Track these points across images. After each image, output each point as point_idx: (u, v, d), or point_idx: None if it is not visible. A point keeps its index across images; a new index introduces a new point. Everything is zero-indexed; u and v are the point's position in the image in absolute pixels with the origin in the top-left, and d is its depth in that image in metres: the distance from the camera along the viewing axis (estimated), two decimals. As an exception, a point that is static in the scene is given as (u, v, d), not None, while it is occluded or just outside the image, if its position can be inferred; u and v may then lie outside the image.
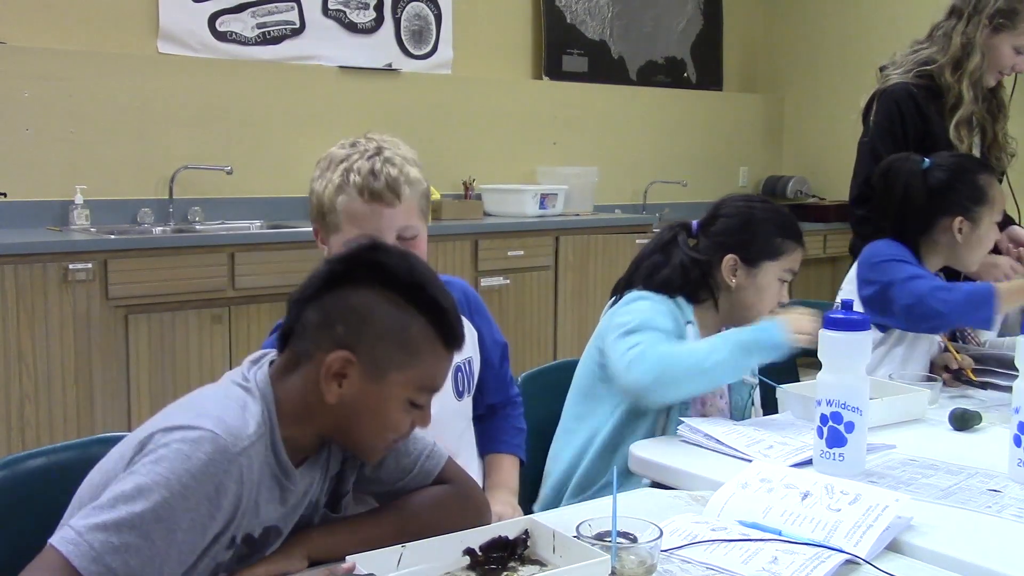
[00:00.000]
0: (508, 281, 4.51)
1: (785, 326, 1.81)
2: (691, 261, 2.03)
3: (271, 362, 1.30)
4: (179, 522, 1.11)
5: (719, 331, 2.00)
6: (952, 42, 2.64)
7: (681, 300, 2.02)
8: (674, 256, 2.05)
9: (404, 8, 4.88)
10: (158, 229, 4.05)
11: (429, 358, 1.25)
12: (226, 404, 1.21)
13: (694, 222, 2.13)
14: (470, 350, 1.75)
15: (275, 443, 1.23)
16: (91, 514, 1.10)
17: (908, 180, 2.25)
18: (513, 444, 1.83)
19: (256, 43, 4.45)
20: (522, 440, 1.86)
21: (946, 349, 2.30)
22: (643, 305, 1.97)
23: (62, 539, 1.08)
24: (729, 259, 2.02)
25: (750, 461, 1.64)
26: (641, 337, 1.88)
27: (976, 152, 2.69)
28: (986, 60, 2.64)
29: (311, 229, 1.70)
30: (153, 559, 1.09)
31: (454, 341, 1.28)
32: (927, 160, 2.28)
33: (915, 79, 2.66)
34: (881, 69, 2.82)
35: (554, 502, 1.98)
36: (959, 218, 2.23)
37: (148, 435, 1.17)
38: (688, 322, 1.99)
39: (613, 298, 2.08)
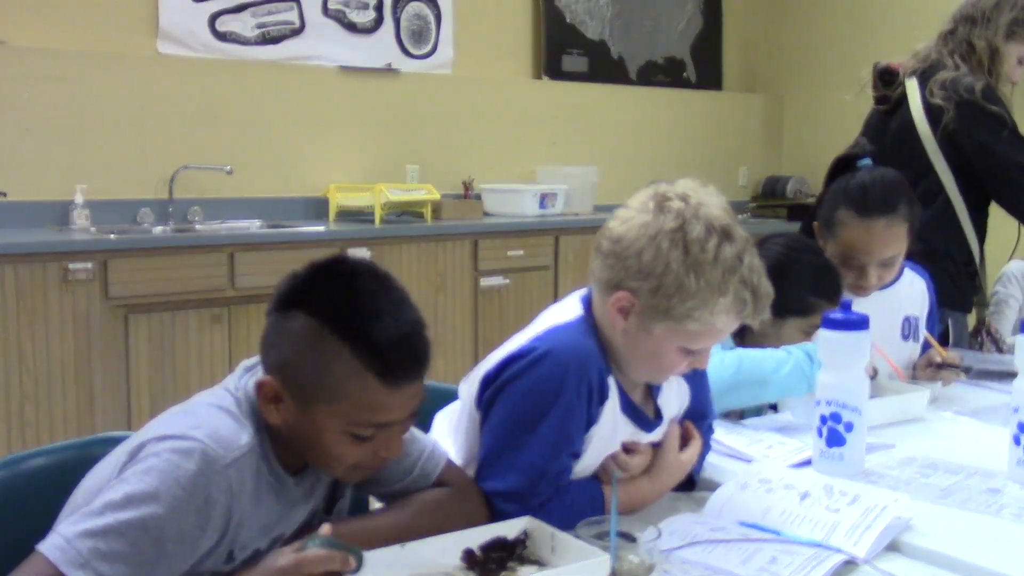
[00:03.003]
0: (508, 281, 4.51)
1: None
2: None
3: None
4: (168, 533, 1.10)
5: None
6: (976, 47, 2.64)
7: None
8: None
9: (404, 8, 4.88)
10: (158, 229, 4.05)
11: (360, 395, 1.17)
12: (219, 415, 1.21)
13: None
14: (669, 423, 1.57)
15: (267, 454, 1.23)
16: (80, 520, 1.09)
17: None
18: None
19: (256, 43, 4.45)
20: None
21: (929, 346, 2.29)
22: None
23: (50, 545, 1.08)
24: None
25: (750, 461, 1.64)
26: None
27: None
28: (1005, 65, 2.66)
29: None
30: (141, 567, 1.08)
31: (392, 377, 1.17)
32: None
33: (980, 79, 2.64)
34: (885, 72, 2.78)
35: None
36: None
37: (140, 443, 1.17)
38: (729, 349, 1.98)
39: None
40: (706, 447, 1.64)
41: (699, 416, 1.61)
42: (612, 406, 1.46)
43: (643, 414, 1.50)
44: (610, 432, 1.46)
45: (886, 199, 2.11)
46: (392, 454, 1.25)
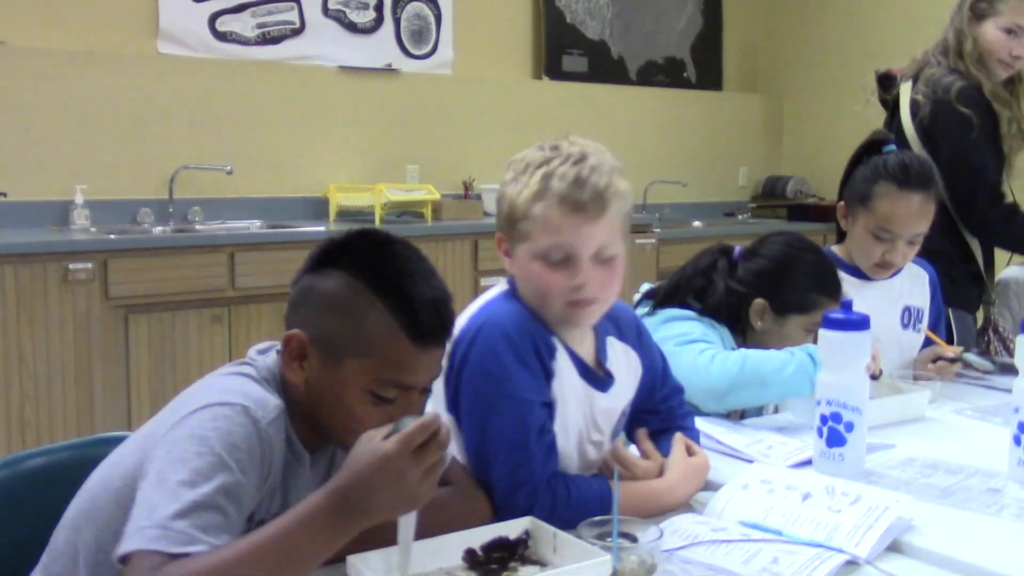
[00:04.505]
0: (508, 281, 4.50)
1: None
2: (729, 290, 2.01)
3: (278, 351, 1.31)
4: (244, 495, 1.12)
5: None
6: (947, 37, 2.71)
7: (724, 328, 2.01)
8: (717, 282, 2.02)
9: (404, 8, 4.88)
10: (158, 229, 4.05)
11: (388, 350, 1.20)
12: (247, 382, 1.23)
13: (736, 248, 2.10)
14: (630, 392, 1.61)
15: (287, 425, 1.24)
16: (159, 507, 1.06)
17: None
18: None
19: (256, 43, 4.45)
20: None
21: (930, 342, 2.30)
22: (694, 324, 1.96)
23: (146, 539, 1.04)
24: (758, 303, 2.00)
25: (751, 462, 1.64)
26: (707, 345, 1.87)
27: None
28: (978, 47, 2.67)
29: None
30: (232, 532, 1.09)
31: (421, 335, 1.22)
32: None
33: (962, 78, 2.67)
34: (884, 78, 2.82)
35: None
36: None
37: (179, 419, 1.15)
38: (732, 349, 1.99)
39: (646, 305, 2.05)
40: (693, 431, 1.66)
41: (660, 384, 1.65)
42: (564, 358, 1.48)
43: (595, 373, 1.53)
44: (571, 383, 1.48)
45: (924, 176, 2.20)
46: None
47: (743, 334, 2.04)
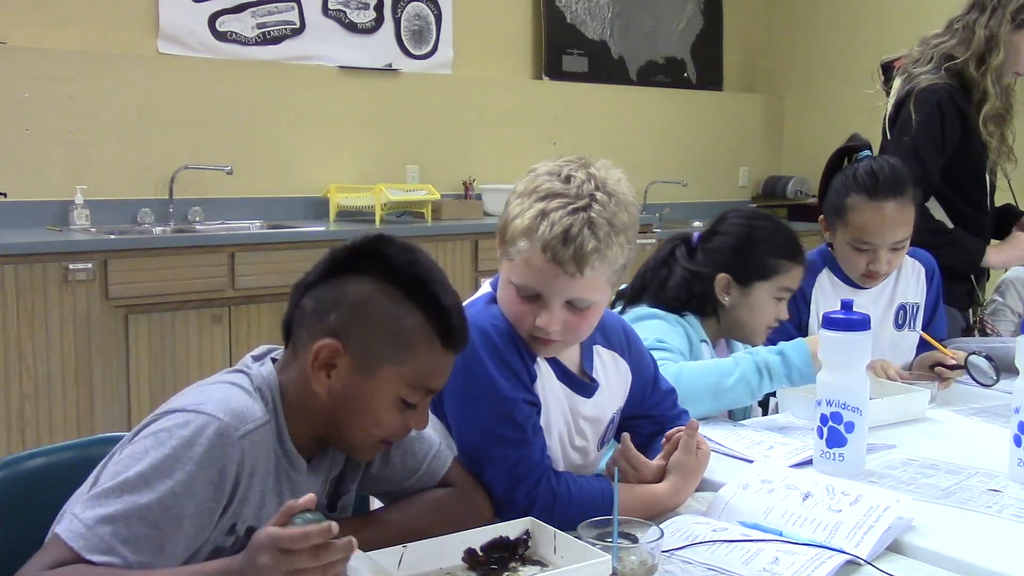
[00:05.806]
0: (508, 281, 4.50)
1: (807, 350, 1.79)
2: (691, 275, 2.02)
3: (273, 359, 1.29)
4: (185, 509, 1.11)
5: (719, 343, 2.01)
6: (975, 36, 2.60)
7: (691, 317, 2.01)
8: (676, 270, 2.04)
9: (404, 8, 4.88)
10: (158, 229, 4.05)
11: (424, 355, 1.22)
12: (232, 390, 1.21)
13: (695, 234, 2.11)
14: (618, 400, 1.61)
15: (281, 432, 1.23)
16: (96, 503, 1.08)
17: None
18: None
19: (256, 43, 4.45)
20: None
21: (927, 345, 2.29)
22: (655, 324, 1.96)
23: (70, 532, 1.07)
24: (721, 278, 2.01)
25: (751, 462, 1.64)
26: (659, 355, 1.87)
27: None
28: (1008, 58, 2.60)
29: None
30: (163, 547, 1.09)
31: (453, 340, 1.25)
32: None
33: (947, 77, 2.61)
34: (886, 68, 2.80)
35: None
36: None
37: (150, 419, 1.17)
38: (703, 340, 1.99)
39: (618, 305, 2.06)
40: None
41: (651, 389, 1.64)
42: (544, 363, 1.49)
43: (578, 379, 1.54)
44: (551, 387, 1.49)
45: (896, 182, 2.15)
46: (420, 427, 1.28)
47: (716, 315, 2.04)
